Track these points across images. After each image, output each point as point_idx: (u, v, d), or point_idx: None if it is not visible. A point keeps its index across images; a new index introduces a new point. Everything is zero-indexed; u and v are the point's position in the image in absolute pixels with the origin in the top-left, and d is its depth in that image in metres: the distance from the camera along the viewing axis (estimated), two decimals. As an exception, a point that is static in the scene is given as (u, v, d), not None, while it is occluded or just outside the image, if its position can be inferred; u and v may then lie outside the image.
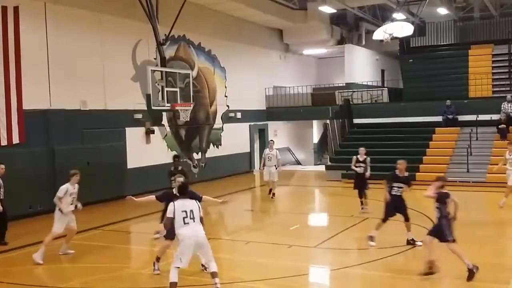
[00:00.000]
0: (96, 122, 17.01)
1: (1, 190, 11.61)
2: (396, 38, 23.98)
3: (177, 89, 16.76)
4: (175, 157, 13.58)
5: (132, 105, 18.52)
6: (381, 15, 27.08)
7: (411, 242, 10.47)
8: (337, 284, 9.25)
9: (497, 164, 15.41)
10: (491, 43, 26.50)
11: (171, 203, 7.86)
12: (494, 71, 25.11)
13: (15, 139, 14.53)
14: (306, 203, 18.08)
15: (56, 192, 10.31)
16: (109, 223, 13.85)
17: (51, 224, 10.41)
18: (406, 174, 10.79)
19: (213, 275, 7.74)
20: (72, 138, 16.28)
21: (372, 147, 21.17)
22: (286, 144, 29.14)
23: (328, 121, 25.02)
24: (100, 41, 17.34)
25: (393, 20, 23.52)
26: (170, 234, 9.26)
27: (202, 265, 8.82)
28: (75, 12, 16.37)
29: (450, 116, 21.95)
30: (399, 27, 22.64)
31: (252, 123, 25.94)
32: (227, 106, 24.21)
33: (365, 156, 14.35)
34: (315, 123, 30.85)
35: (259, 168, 17.55)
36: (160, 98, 16.40)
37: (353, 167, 14.55)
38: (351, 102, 25.04)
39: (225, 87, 24.08)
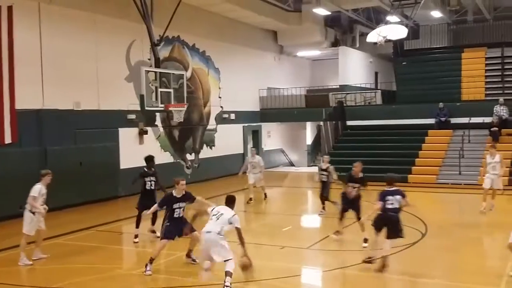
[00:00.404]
0: (89, 122, 16.96)
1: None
2: (390, 40, 24.14)
3: (171, 90, 16.74)
4: (147, 158, 12.39)
5: (125, 105, 18.47)
6: (375, 18, 27.15)
7: (365, 241, 10.65)
8: (329, 285, 9.30)
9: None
10: (484, 46, 26.60)
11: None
12: (487, 74, 25.22)
13: (8, 139, 14.47)
14: (299, 205, 18.12)
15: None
16: (102, 224, 13.79)
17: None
18: (361, 175, 11.29)
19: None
20: (65, 138, 16.22)
21: (365, 149, 21.38)
22: (279, 145, 29.24)
23: (321, 123, 25.06)
24: (94, 41, 17.29)
25: (387, 22, 23.66)
26: (166, 235, 9.28)
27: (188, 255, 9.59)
28: (69, 12, 16.33)
29: (443, 119, 22.08)
30: (393, 29, 22.76)
31: (246, 124, 25.96)
32: (221, 107, 24.21)
33: (328, 165, 14.44)
34: (308, 125, 30.93)
35: (239, 174, 17.36)
36: (154, 99, 16.35)
37: (317, 176, 14.68)
38: (344, 104, 25.12)
39: (219, 88, 24.07)
